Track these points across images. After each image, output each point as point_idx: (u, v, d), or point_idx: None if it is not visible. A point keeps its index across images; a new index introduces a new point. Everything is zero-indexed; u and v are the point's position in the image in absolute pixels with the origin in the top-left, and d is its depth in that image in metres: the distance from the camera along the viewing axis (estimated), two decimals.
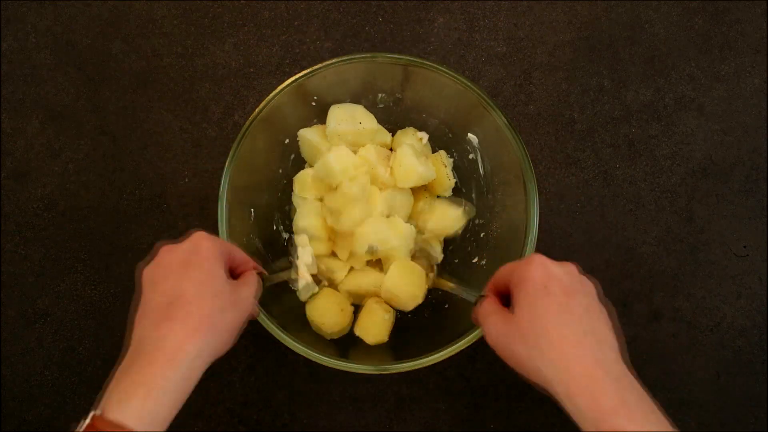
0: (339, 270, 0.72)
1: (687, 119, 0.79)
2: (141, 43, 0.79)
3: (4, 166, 0.77)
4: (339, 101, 0.71)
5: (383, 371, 0.62)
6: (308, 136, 0.71)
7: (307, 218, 0.71)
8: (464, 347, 0.63)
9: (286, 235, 0.74)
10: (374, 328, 0.69)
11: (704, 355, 0.77)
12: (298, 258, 0.69)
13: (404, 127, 0.74)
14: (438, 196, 0.75)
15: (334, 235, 0.72)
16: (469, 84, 0.65)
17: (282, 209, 0.74)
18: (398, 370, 0.62)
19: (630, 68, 0.80)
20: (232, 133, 0.78)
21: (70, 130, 0.78)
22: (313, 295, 0.70)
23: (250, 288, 0.57)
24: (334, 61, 0.65)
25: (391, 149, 0.74)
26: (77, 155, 0.78)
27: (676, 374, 0.76)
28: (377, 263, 0.73)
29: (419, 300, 0.70)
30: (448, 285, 0.68)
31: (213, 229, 0.77)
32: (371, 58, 0.66)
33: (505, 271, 0.54)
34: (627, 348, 0.78)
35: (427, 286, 0.71)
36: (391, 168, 0.70)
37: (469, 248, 0.74)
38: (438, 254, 0.74)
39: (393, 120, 0.74)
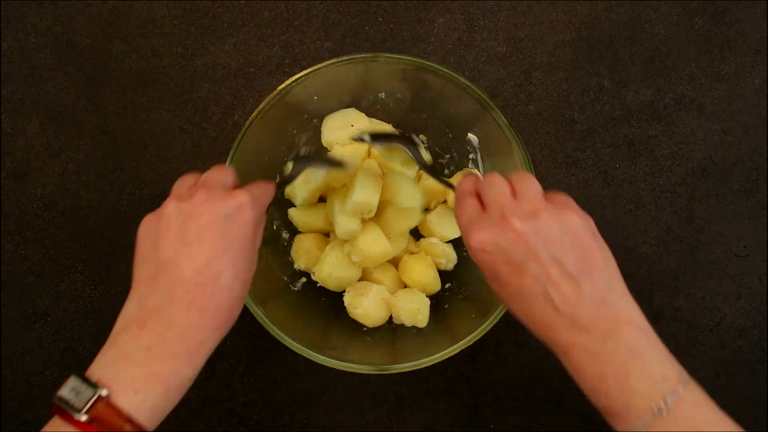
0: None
1: (687, 119, 0.79)
2: (141, 43, 0.79)
3: (4, 166, 0.77)
4: (339, 101, 0.71)
5: (383, 371, 0.63)
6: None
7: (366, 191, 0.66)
8: (464, 347, 0.63)
9: (286, 235, 0.74)
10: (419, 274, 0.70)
11: (704, 355, 0.77)
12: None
13: (404, 127, 0.74)
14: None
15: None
16: (469, 84, 0.65)
17: (282, 209, 0.74)
18: (398, 370, 0.63)
19: (630, 68, 0.80)
20: (232, 133, 0.78)
21: (70, 130, 0.78)
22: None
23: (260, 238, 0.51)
24: (334, 61, 0.65)
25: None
26: (77, 155, 0.78)
27: None
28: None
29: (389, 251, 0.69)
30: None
31: None
32: (371, 58, 0.66)
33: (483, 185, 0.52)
34: None
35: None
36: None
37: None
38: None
39: (393, 120, 0.74)
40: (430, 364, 0.62)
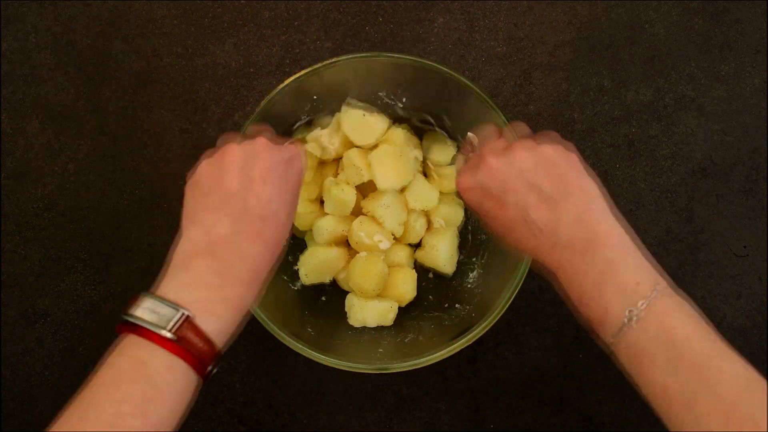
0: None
1: (687, 119, 0.79)
2: (141, 43, 0.79)
3: (4, 166, 0.77)
4: (339, 101, 0.71)
5: (383, 371, 0.63)
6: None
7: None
8: (464, 347, 0.63)
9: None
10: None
11: None
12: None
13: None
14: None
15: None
16: (469, 84, 0.65)
17: None
18: (398, 370, 0.63)
19: (630, 68, 0.80)
20: None
21: (70, 130, 0.78)
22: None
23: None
24: (334, 60, 0.65)
25: None
26: (77, 155, 0.78)
27: None
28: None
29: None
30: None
31: None
32: (371, 57, 0.66)
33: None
34: None
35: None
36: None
37: (469, 250, 0.74)
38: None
39: (393, 120, 0.74)
40: (430, 363, 0.62)
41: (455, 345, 0.63)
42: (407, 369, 0.63)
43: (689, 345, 0.43)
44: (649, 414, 0.78)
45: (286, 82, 0.65)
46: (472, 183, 0.52)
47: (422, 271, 0.74)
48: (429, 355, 0.63)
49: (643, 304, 0.44)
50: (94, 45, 0.79)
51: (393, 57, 0.66)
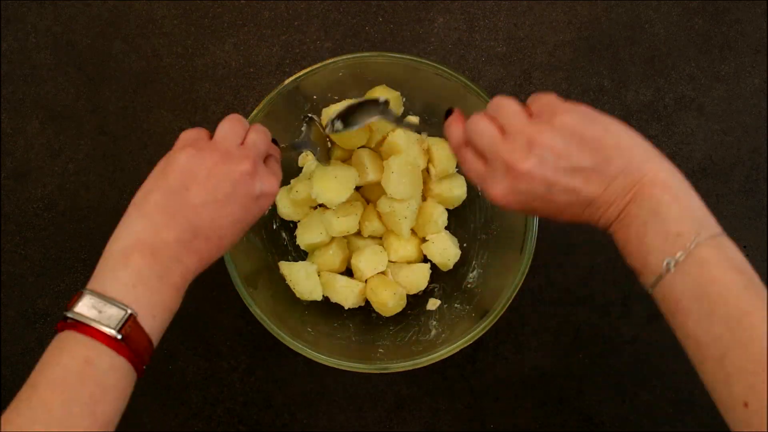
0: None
1: (687, 119, 0.79)
2: (141, 43, 0.79)
3: (4, 166, 0.77)
4: (339, 101, 0.71)
5: (383, 371, 0.63)
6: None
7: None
8: (464, 347, 0.63)
9: (286, 236, 0.74)
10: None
11: None
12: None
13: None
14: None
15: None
16: (469, 84, 0.65)
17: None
18: (398, 370, 0.63)
19: (630, 68, 0.80)
20: None
21: (70, 130, 0.78)
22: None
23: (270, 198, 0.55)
24: (333, 60, 0.65)
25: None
26: (77, 155, 0.78)
27: (676, 374, 0.76)
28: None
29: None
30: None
31: None
32: (371, 57, 0.66)
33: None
34: (627, 348, 0.78)
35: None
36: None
37: (471, 250, 0.74)
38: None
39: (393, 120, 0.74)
40: (430, 363, 0.62)
41: (455, 345, 0.63)
42: (407, 369, 0.63)
43: (724, 299, 0.42)
44: (649, 414, 0.78)
45: (286, 82, 0.65)
46: (512, 194, 0.49)
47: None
48: (429, 355, 0.63)
49: (681, 255, 0.44)
50: (94, 45, 0.79)
51: (393, 57, 0.66)
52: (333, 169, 0.67)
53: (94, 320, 0.43)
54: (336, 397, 0.75)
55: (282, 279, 0.72)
